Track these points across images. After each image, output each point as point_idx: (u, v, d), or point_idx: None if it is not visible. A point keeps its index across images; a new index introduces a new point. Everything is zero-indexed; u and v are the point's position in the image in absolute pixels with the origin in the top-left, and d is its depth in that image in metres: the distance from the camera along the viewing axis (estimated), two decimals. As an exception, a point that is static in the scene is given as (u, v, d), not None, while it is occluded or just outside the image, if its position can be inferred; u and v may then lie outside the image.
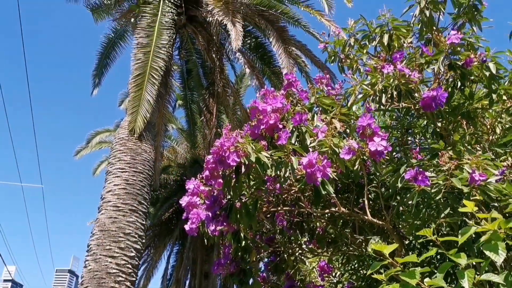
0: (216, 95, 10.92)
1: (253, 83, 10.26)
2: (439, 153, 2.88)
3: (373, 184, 3.47)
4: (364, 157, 2.85)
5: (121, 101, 16.23)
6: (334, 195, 3.05)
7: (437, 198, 2.84)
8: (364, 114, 2.88)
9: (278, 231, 4.31)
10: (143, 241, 8.19)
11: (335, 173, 2.99)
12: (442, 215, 2.94)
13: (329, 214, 3.82)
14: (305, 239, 4.57)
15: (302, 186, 3.03)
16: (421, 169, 2.89)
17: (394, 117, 4.14)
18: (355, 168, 2.90)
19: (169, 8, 9.33)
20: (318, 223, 4.35)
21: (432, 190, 2.81)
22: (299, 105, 3.59)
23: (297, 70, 10.15)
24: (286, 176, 2.95)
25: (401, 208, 3.41)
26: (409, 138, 4.13)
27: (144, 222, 8.16)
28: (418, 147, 3.41)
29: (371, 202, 4.02)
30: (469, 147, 3.23)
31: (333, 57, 3.93)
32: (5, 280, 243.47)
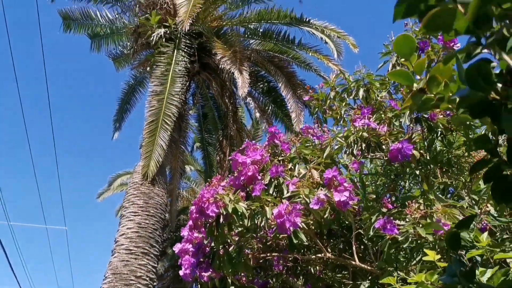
0: (229, 138, 11.23)
1: (263, 126, 10.56)
2: (407, 203, 3.03)
3: (359, 230, 3.61)
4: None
5: (141, 144, 16.73)
6: (306, 242, 3.20)
7: (405, 245, 2.98)
8: (332, 168, 3.07)
9: (273, 276, 4.44)
10: (155, 284, 8.35)
11: (326, 218, 3.15)
12: (414, 261, 3.07)
13: (320, 260, 3.95)
14: (300, 283, 4.67)
15: (277, 235, 3.20)
16: (390, 218, 3.04)
17: (380, 164, 4.30)
18: (325, 216, 3.07)
19: (182, 57, 9.79)
20: (312, 268, 4.46)
21: (400, 238, 2.95)
22: (282, 155, 3.82)
23: (306, 113, 10.40)
24: (261, 225, 3.14)
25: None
26: (399, 183, 4.27)
27: (155, 265, 8.34)
28: (391, 196, 3.55)
29: (362, 247, 4.15)
30: (441, 195, 3.35)
31: (316, 109, 4.16)
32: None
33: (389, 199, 3.43)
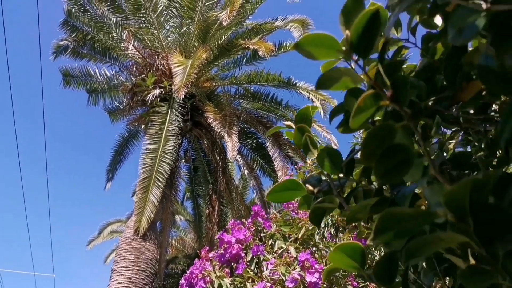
0: (218, 193, 11.70)
1: (251, 183, 11.08)
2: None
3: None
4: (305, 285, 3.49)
5: (133, 192, 17.10)
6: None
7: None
8: (306, 251, 3.56)
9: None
10: (143, 338, 8.58)
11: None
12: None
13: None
14: None
15: (257, 309, 3.64)
16: (355, 295, 3.51)
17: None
18: (299, 294, 3.53)
19: (175, 117, 10.38)
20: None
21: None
22: (264, 231, 4.31)
23: (292, 169, 10.95)
24: (243, 300, 3.59)
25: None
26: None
27: (144, 320, 8.60)
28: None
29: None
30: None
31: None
32: None
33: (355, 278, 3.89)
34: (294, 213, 4.67)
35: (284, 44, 11.36)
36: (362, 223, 1.95)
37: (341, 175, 1.09)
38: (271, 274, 3.64)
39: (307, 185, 1.17)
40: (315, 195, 1.17)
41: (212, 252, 4.30)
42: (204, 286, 3.58)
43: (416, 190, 0.86)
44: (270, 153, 10.53)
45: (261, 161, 12.31)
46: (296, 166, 4.88)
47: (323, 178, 1.19)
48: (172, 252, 16.79)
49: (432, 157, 1.09)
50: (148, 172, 9.62)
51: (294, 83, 11.11)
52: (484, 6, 0.72)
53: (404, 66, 1.37)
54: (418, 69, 1.27)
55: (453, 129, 1.37)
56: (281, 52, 11.38)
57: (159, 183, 9.50)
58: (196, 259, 4.05)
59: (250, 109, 11.84)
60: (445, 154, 1.37)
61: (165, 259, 13.85)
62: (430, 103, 1.11)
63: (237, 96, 11.92)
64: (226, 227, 4.21)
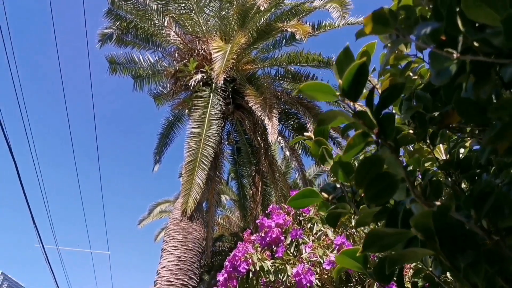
0: (261, 173, 11.95)
1: (293, 164, 11.25)
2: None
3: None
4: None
5: (180, 174, 17.68)
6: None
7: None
8: (341, 235, 3.73)
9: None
10: (193, 314, 9.07)
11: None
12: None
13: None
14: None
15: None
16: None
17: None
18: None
19: (217, 101, 10.63)
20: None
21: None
22: (303, 215, 4.50)
23: (334, 148, 11.02)
24: (283, 280, 3.82)
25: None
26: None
27: (193, 296, 9.07)
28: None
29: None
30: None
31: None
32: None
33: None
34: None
35: (323, 24, 11.31)
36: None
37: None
38: (309, 257, 3.84)
39: (322, 192, 1.35)
40: (330, 202, 1.34)
41: (254, 235, 4.55)
42: (247, 267, 3.83)
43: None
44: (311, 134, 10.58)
45: (303, 141, 12.42)
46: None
47: (338, 185, 1.36)
48: (219, 230, 17.32)
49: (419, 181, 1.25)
50: (193, 156, 9.96)
51: (333, 62, 11.07)
52: (455, 55, 0.88)
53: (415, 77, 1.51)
54: (426, 82, 1.41)
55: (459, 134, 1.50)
56: (320, 31, 11.34)
57: (204, 166, 9.84)
58: (239, 242, 4.31)
59: (291, 90, 11.93)
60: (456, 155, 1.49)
61: (212, 237, 14.35)
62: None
63: (277, 77, 12.02)
64: (267, 211, 4.43)
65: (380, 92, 1.25)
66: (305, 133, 1.63)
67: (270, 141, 9.57)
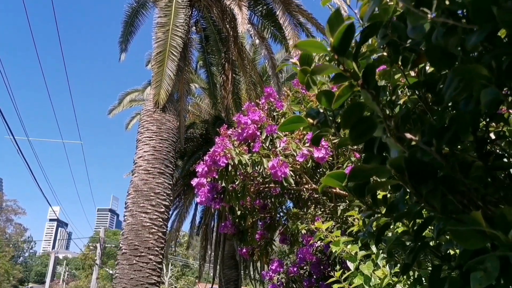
0: (231, 62, 11.94)
1: (262, 52, 11.24)
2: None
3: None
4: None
5: (147, 61, 17.40)
6: (294, 185, 4.23)
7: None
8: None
9: (271, 197, 5.56)
10: (171, 198, 9.66)
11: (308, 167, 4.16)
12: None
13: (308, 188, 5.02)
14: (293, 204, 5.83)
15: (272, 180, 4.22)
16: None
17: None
18: (308, 165, 4.08)
19: (184, -13, 10.22)
20: (302, 193, 5.57)
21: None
22: (277, 110, 4.73)
23: (303, 37, 11.02)
24: (260, 172, 4.16)
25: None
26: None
27: (171, 182, 9.58)
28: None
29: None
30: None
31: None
32: (50, 220, 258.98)
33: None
34: (304, 90, 5.04)
35: None
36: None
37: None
38: (283, 150, 4.15)
39: (308, 118, 1.54)
40: (314, 125, 1.54)
41: (230, 130, 4.79)
42: (226, 162, 4.13)
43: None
44: (281, 21, 10.49)
45: (272, 28, 12.29)
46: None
47: (321, 111, 1.54)
48: (190, 118, 17.62)
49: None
50: (162, 47, 9.82)
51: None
52: (429, 16, 1.03)
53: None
54: (402, 13, 1.54)
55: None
56: None
57: (174, 57, 9.77)
58: (216, 136, 4.55)
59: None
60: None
61: (184, 125, 14.67)
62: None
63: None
64: (242, 108, 4.63)
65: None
66: (290, 60, 1.77)
67: (240, 32, 9.46)
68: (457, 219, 1.02)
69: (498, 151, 1.62)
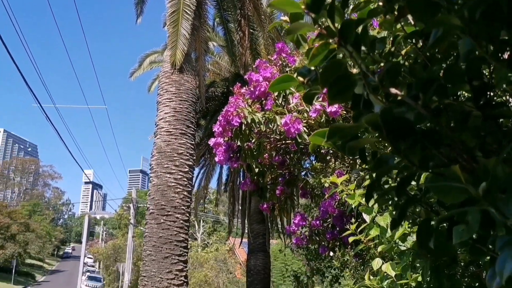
0: (247, 17, 11.74)
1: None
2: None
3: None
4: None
5: (164, 23, 17.25)
6: (308, 141, 4.22)
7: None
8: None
9: (290, 153, 5.58)
10: (194, 158, 9.81)
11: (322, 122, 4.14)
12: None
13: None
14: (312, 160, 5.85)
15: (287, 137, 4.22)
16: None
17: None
18: (321, 120, 4.06)
19: None
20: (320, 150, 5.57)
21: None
22: (289, 65, 4.67)
23: None
24: (274, 129, 4.17)
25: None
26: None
27: (193, 142, 9.70)
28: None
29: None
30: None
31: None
32: (85, 183, 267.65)
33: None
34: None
35: None
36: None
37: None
38: (296, 106, 4.13)
39: (299, 76, 1.52)
40: (306, 84, 1.53)
41: (244, 88, 4.77)
42: (239, 121, 4.14)
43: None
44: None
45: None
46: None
47: (312, 69, 1.52)
48: (210, 76, 17.57)
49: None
50: (175, 6, 9.70)
51: None
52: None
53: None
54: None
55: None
56: None
57: (188, 16, 9.65)
58: (230, 96, 4.55)
59: None
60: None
61: (204, 84, 14.67)
62: None
63: None
64: (256, 61, 4.58)
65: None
66: (281, 17, 1.74)
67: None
68: (437, 173, 1.01)
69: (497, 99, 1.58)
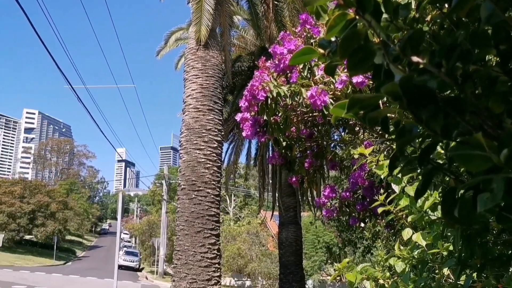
0: (271, -10, 11.56)
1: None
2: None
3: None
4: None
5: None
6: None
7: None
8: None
9: (318, 125, 5.56)
10: (222, 133, 9.88)
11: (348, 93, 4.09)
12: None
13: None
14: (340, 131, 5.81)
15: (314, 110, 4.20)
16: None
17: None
18: (348, 91, 4.01)
19: None
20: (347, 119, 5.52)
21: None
22: (314, 37, 4.60)
23: None
24: (300, 102, 4.15)
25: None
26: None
27: (221, 118, 9.76)
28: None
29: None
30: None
31: None
32: (118, 161, 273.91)
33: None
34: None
35: None
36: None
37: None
38: (322, 78, 4.09)
39: (319, 48, 1.50)
40: (326, 56, 1.51)
41: (269, 62, 4.74)
42: (265, 95, 4.13)
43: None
44: None
45: None
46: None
47: (333, 39, 1.50)
48: (236, 51, 17.48)
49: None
50: (198, -19, 9.63)
51: None
52: None
53: None
54: None
55: None
56: None
57: (211, -9, 9.58)
58: (255, 70, 4.53)
59: None
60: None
61: (230, 59, 14.63)
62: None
63: None
64: (278, 39, 4.54)
65: None
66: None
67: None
68: (461, 142, 1.00)
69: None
